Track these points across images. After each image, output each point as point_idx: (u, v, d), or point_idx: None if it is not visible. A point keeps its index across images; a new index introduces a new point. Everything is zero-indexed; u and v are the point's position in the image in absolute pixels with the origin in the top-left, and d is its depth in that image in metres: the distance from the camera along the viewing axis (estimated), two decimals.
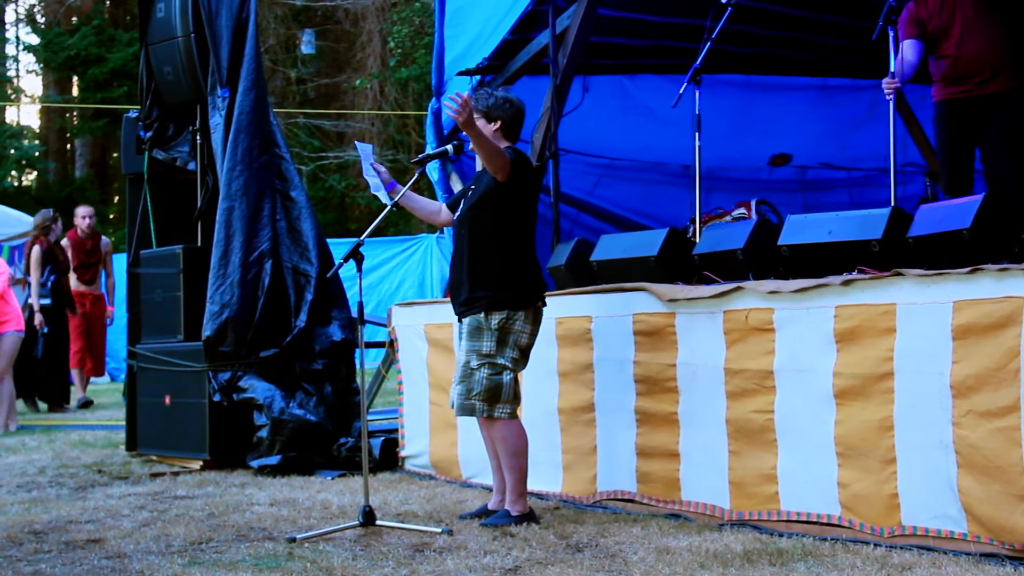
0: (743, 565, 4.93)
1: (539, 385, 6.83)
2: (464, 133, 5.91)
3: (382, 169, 6.50)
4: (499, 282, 6.07)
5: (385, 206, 6.46)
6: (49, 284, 13.63)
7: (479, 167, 6.78)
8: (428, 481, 7.77)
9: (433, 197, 9.13)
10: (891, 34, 6.82)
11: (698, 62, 7.31)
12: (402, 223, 27.29)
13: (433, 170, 9.90)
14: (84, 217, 14.43)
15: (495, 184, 6.10)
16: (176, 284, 8.91)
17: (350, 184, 29.33)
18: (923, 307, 5.07)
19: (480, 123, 6.13)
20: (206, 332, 8.43)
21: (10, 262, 15.83)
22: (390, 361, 8.77)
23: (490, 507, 6.35)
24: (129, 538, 5.94)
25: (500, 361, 6.08)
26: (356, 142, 7.18)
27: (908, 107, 10.78)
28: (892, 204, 6.30)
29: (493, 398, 6.07)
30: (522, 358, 6.20)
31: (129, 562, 5.37)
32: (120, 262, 13.54)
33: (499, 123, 6.26)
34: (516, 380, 6.15)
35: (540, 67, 9.49)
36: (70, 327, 14.11)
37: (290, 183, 8.90)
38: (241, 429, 8.41)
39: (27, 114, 38.99)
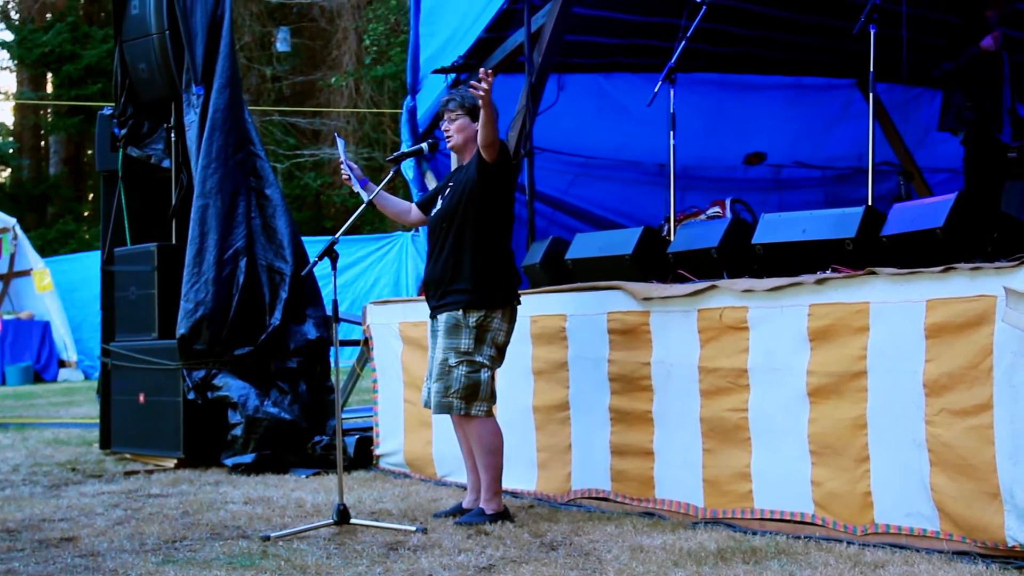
0: (717, 563, 4.94)
1: (514, 383, 6.83)
2: (482, 109, 5.88)
3: (354, 166, 6.51)
4: (478, 280, 6.07)
5: (360, 204, 6.46)
6: None
7: (454, 165, 6.79)
8: (402, 479, 7.77)
9: (408, 195, 9.12)
10: (872, 32, 6.73)
11: (673, 60, 7.33)
12: (377, 221, 27.25)
13: (408, 168, 9.89)
14: None
15: (475, 178, 6.10)
16: (150, 282, 8.88)
17: (325, 182, 29.27)
18: (896, 306, 5.09)
19: (464, 121, 6.23)
20: (180, 330, 8.40)
21: None
22: (365, 359, 8.77)
23: (464, 505, 6.35)
24: (103, 536, 5.92)
25: (478, 359, 6.08)
26: (335, 134, 7.19)
27: (882, 106, 10.82)
28: (868, 203, 6.30)
29: (471, 396, 6.07)
30: (499, 356, 6.20)
31: (103, 560, 5.35)
32: (94, 259, 13.41)
33: None
34: (493, 378, 6.15)
35: (515, 65, 9.48)
36: None
37: (265, 181, 8.89)
38: (215, 427, 8.40)
39: (1, 111, 38.82)
